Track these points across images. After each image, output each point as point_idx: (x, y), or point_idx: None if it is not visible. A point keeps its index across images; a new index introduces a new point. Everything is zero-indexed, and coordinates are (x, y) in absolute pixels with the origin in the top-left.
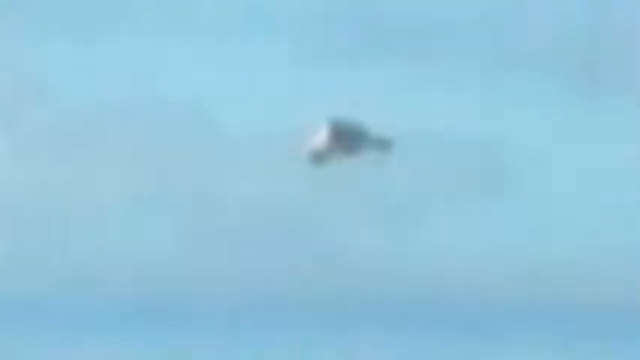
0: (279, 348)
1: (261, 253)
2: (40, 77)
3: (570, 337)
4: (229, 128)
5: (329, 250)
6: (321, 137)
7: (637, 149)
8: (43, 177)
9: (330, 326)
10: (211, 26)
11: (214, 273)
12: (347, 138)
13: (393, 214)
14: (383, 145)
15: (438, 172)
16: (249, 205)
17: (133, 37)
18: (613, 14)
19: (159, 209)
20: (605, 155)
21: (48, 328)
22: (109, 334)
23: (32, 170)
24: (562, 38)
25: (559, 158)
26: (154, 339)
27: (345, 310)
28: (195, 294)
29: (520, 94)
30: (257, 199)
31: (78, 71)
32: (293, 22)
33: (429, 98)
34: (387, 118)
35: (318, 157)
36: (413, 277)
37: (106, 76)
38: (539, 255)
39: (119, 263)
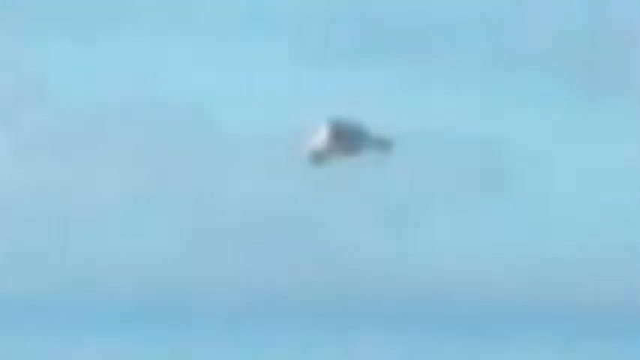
0: (279, 348)
1: (261, 253)
2: (40, 77)
3: (570, 337)
4: (229, 128)
5: (329, 250)
6: (321, 137)
7: (637, 149)
8: (43, 177)
9: (330, 326)
10: (211, 26)
11: (214, 273)
12: (347, 138)
13: (393, 214)
14: (383, 145)
15: (438, 172)
16: (249, 205)
17: (133, 37)
18: (613, 14)
19: (159, 209)
20: (605, 155)
21: (48, 328)
22: (109, 334)
23: (32, 170)
24: (562, 38)
25: (559, 158)
26: (154, 339)
27: (345, 310)
28: (195, 294)
29: (520, 94)
30: (257, 199)
31: (78, 71)
32: (293, 22)
33: (429, 98)
34: (387, 118)
35: (318, 157)
36: (413, 277)
37: (106, 76)
38: (539, 255)
39: (119, 263)
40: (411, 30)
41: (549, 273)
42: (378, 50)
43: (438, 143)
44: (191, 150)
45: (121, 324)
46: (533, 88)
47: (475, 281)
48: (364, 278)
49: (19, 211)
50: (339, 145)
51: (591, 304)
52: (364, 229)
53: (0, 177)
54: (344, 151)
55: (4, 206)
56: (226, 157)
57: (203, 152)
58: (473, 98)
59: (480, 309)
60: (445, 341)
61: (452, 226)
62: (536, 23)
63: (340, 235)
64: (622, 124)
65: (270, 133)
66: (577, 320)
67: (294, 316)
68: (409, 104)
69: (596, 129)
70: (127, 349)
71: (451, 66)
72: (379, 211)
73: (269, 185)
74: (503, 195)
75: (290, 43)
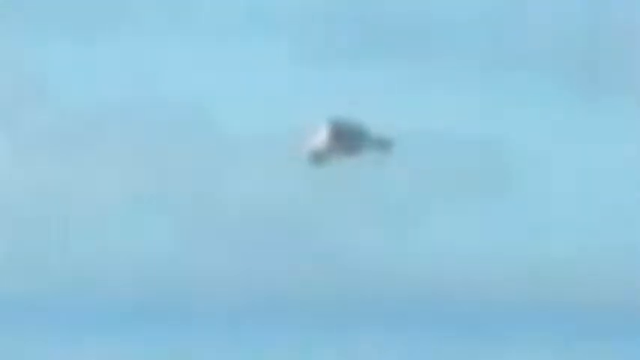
0: (279, 348)
1: (261, 253)
2: (40, 77)
3: (570, 337)
4: (229, 128)
5: (329, 250)
6: (321, 137)
7: (637, 149)
8: (43, 177)
9: (330, 326)
10: (211, 26)
11: (214, 273)
12: (347, 138)
13: (393, 214)
14: (383, 145)
15: (438, 172)
16: (249, 205)
17: (133, 37)
18: (613, 14)
19: (159, 209)
20: (605, 155)
21: (48, 328)
22: (109, 334)
23: (32, 170)
24: (562, 38)
25: (559, 158)
26: (154, 339)
27: (345, 310)
28: (195, 294)
29: (520, 94)
30: (257, 199)
31: (78, 71)
32: (293, 22)
33: (429, 98)
34: (387, 118)
35: (318, 157)
36: (413, 277)
37: (106, 76)
38: (539, 255)
39: (119, 263)
40: (411, 30)
41: (549, 273)
42: (378, 50)
43: (438, 143)
44: (191, 150)
45: (121, 324)
46: (533, 88)
47: (475, 281)
48: (364, 278)
49: (19, 211)
50: (339, 145)
51: (591, 304)
52: (364, 229)
53: (0, 177)
54: (344, 151)
55: (4, 206)
56: (226, 157)
57: (203, 152)
58: (473, 98)
59: (480, 309)
60: (445, 341)
61: (452, 226)
62: (536, 23)
63: (340, 235)
64: (622, 124)
65: (270, 133)
66: (577, 320)
67: (294, 316)
68: (409, 104)
69: (596, 129)
70: (127, 349)
71: (451, 66)
72: (379, 211)
73: (269, 185)
74: (503, 195)
75: (290, 43)
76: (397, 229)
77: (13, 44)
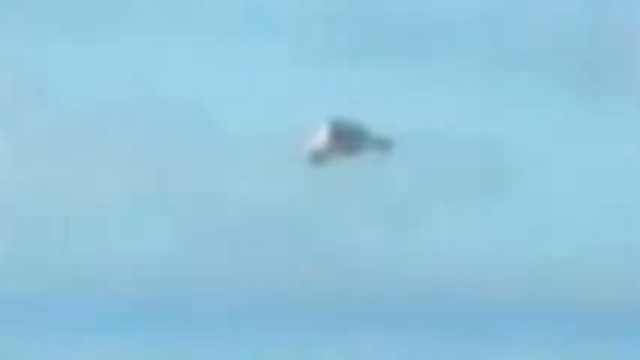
0: (279, 348)
1: (261, 253)
2: (40, 77)
3: (570, 337)
4: (229, 128)
5: (329, 250)
6: (321, 137)
7: (637, 149)
8: (43, 177)
9: (330, 326)
10: (211, 26)
11: (214, 273)
12: (347, 138)
13: (393, 214)
14: (383, 145)
15: (438, 172)
16: (249, 205)
17: (133, 37)
18: (613, 14)
19: (159, 209)
20: (605, 155)
21: (48, 328)
22: (109, 334)
23: (32, 170)
24: (562, 38)
25: (559, 158)
26: (154, 339)
27: (345, 310)
28: (195, 294)
29: (520, 94)
30: (257, 199)
31: (78, 71)
32: (293, 22)
33: (429, 98)
34: (387, 118)
35: (319, 157)
36: (413, 277)
37: (106, 76)
38: (539, 255)
39: (119, 263)
40: (411, 30)
41: (549, 273)
42: (378, 50)
43: (438, 143)
44: (191, 150)
45: (121, 324)
46: (533, 88)
47: (475, 281)
48: (364, 278)
49: (19, 211)
50: (339, 145)
51: (591, 304)
52: (364, 229)
53: (0, 177)
54: (344, 151)
55: (4, 206)
56: (226, 157)
57: (203, 152)
58: (473, 98)
59: (480, 309)
60: (445, 341)
61: (452, 226)
62: (536, 23)
63: (340, 235)
64: (622, 124)
65: (270, 133)
66: (577, 320)
67: (294, 316)
68: (409, 104)
69: (596, 129)
70: (127, 349)
71: (451, 66)
72: (379, 211)
73: (269, 185)
74: (503, 195)
75: (290, 43)
76: (397, 229)
77: (13, 44)
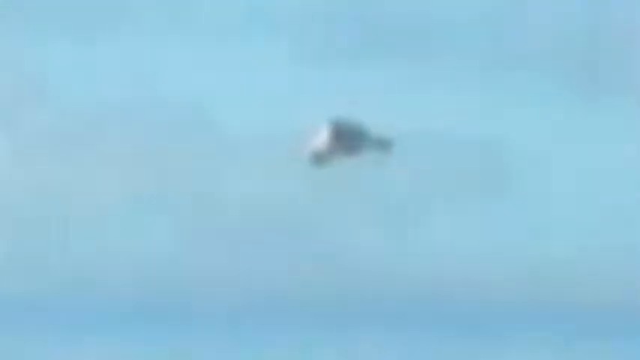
0: (279, 348)
1: (261, 253)
2: (40, 77)
3: (570, 337)
4: (229, 128)
5: (329, 250)
6: (321, 138)
7: (637, 149)
8: (43, 177)
9: (330, 326)
10: (211, 26)
11: (214, 273)
12: (347, 138)
13: (393, 214)
14: (383, 145)
15: (438, 172)
16: (249, 205)
17: (133, 37)
18: (613, 14)
19: (159, 209)
20: (605, 155)
21: (48, 328)
22: (109, 334)
23: (32, 170)
24: (562, 38)
25: (559, 158)
26: (154, 339)
27: (345, 310)
28: (195, 294)
29: (520, 94)
30: (257, 199)
31: (78, 71)
32: (293, 22)
33: (429, 98)
34: (387, 118)
35: (319, 158)
36: (413, 277)
37: (106, 76)
38: (539, 255)
39: (119, 263)
40: (411, 30)
41: (549, 273)
42: (378, 50)
43: (438, 143)
44: (191, 150)
45: (121, 324)
46: (533, 88)
47: (475, 281)
48: (364, 278)
49: (19, 211)
50: (340, 145)
51: (591, 304)
52: (364, 229)
53: (0, 177)
54: (344, 151)
55: (4, 206)
56: (226, 157)
57: (203, 152)
58: (473, 98)
59: (480, 309)
60: (445, 341)
61: (452, 226)
62: (536, 23)
63: (340, 235)
64: (622, 124)
65: (270, 133)
66: (577, 320)
67: (294, 316)
68: (409, 104)
69: (596, 129)
70: (127, 349)
71: (451, 66)
72: (379, 211)
73: (269, 185)
74: (503, 195)
75: (290, 43)
76: (397, 229)
77: (13, 44)
